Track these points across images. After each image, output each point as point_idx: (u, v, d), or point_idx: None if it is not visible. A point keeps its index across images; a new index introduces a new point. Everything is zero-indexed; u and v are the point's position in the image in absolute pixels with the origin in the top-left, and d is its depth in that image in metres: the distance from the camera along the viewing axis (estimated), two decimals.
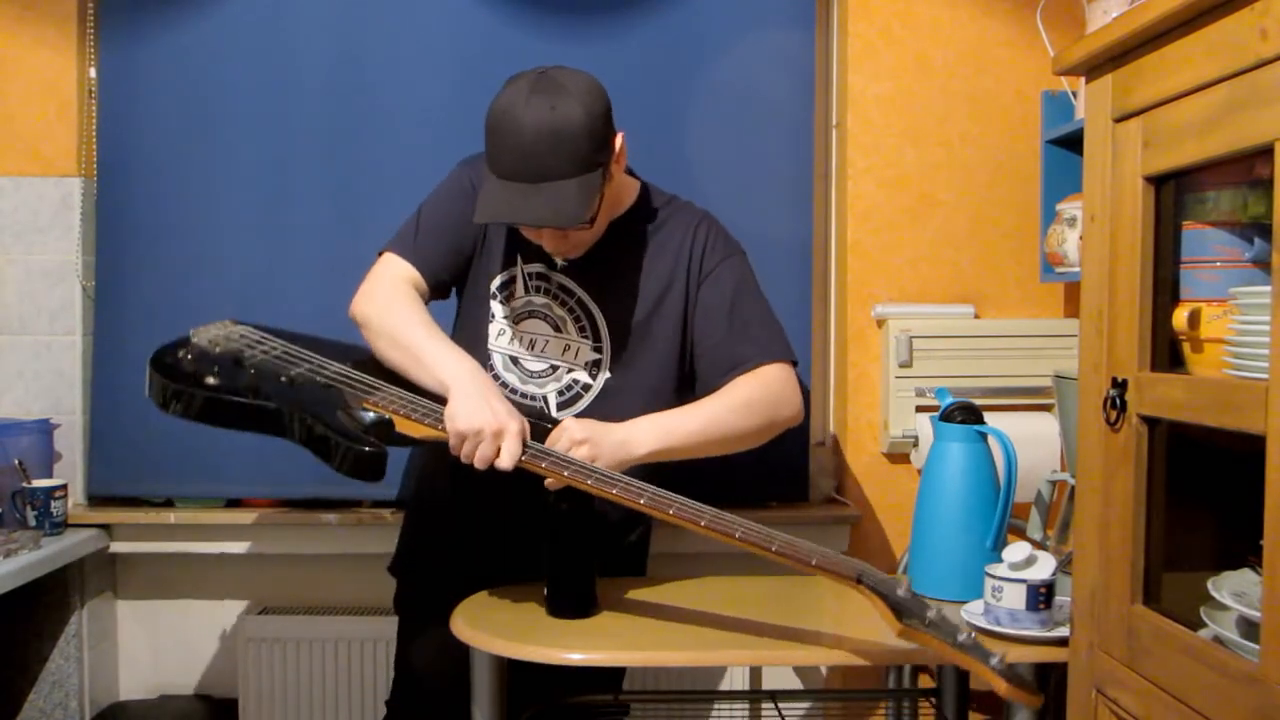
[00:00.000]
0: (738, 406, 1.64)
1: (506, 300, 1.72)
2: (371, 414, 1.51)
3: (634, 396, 1.67)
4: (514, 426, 1.47)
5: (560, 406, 1.69)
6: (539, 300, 1.70)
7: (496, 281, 1.72)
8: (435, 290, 1.72)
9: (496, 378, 1.70)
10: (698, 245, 1.71)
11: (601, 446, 1.52)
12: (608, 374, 1.69)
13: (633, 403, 1.65)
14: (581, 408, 1.68)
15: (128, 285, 2.27)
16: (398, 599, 1.84)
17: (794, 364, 1.72)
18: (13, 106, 2.29)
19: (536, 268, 1.71)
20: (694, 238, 1.71)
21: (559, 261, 1.70)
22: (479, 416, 1.46)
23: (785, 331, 1.74)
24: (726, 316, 1.68)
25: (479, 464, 1.47)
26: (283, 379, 1.55)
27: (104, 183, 2.28)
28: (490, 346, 1.71)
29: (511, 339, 1.71)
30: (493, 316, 1.72)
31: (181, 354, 1.60)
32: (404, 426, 1.51)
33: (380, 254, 1.73)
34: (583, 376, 1.69)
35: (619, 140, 1.62)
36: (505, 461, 1.46)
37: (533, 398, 1.69)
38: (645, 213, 1.74)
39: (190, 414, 1.56)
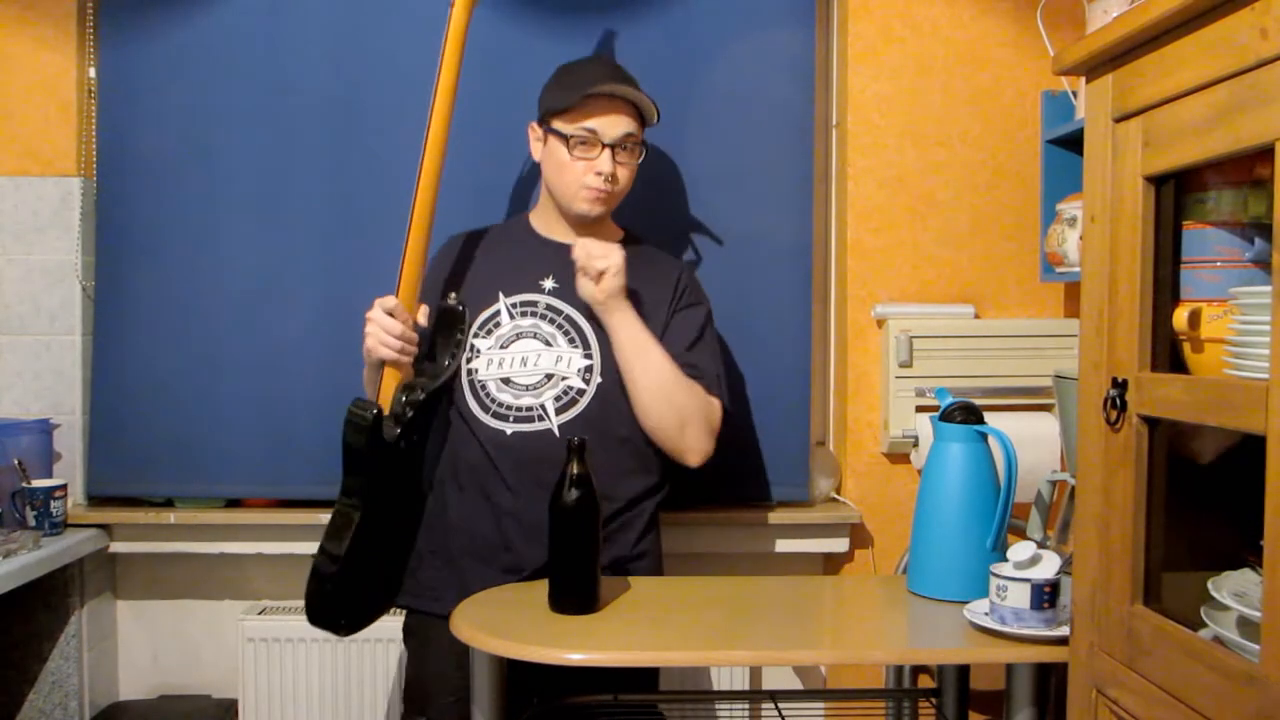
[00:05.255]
0: (684, 388, 1.76)
1: (489, 334, 1.82)
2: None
3: (625, 397, 1.76)
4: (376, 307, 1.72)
5: (559, 411, 1.75)
6: (526, 323, 1.81)
7: (477, 322, 1.83)
8: None
9: (492, 400, 1.78)
10: (679, 286, 1.87)
11: (605, 282, 1.71)
12: (600, 378, 1.77)
13: (624, 402, 1.76)
14: (578, 411, 1.75)
15: (128, 285, 2.27)
16: (408, 626, 1.86)
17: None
18: (13, 106, 2.29)
19: (521, 296, 1.83)
20: (677, 281, 1.87)
21: (547, 285, 1.82)
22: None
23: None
24: (692, 342, 1.83)
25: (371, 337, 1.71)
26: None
27: (104, 183, 2.28)
28: (481, 378, 1.80)
29: (501, 363, 1.79)
30: (477, 353, 1.81)
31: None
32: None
33: None
34: (577, 382, 1.77)
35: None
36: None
37: (529, 408, 1.76)
38: (630, 242, 1.87)
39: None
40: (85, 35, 2.30)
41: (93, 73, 2.31)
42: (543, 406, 1.75)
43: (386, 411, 1.72)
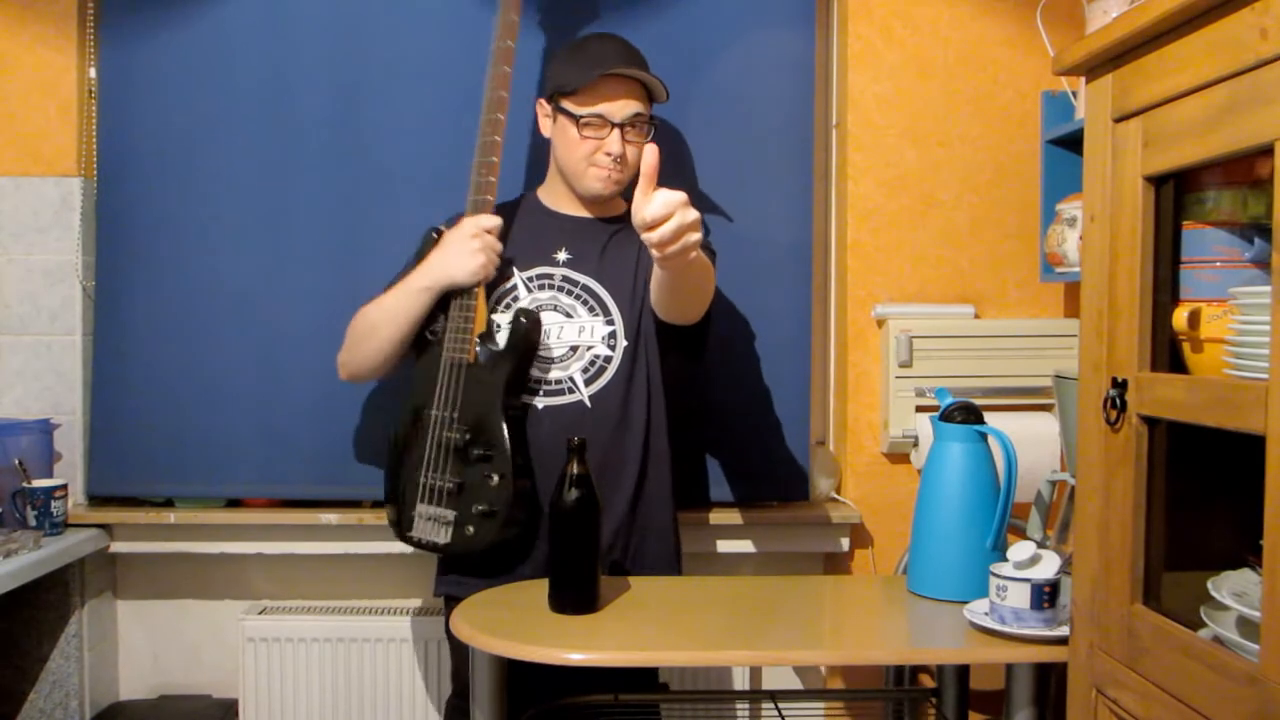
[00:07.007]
0: (709, 274, 1.73)
1: (507, 309, 1.81)
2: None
3: (649, 355, 1.80)
4: (470, 225, 1.73)
5: (587, 382, 1.77)
6: (544, 296, 1.81)
7: (494, 297, 1.82)
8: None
9: None
10: None
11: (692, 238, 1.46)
12: (625, 342, 1.79)
13: (649, 361, 1.79)
14: (608, 379, 1.77)
15: (127, 285, 2.27)
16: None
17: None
18: (13, 106, 2.29)
19: (537, 270, 1.82)
20: None
21: (560, 258, 1.82)
22: (453, 249, 1.74)
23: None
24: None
25: (485, 253, 1.73)
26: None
27: (104, 183, 2.28)
28: None
29: None
30: (498, 327, 1.80)
31: None
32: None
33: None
34: (603, 350, 1.79)
35: None
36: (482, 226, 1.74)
37: (557, 380, 1.77)
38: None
39: None
40: (85, 35, 2.30)
41: (93, 73, 2.30)
42: (571, 379, 1.77)
43: (483, 329, 1.76)
